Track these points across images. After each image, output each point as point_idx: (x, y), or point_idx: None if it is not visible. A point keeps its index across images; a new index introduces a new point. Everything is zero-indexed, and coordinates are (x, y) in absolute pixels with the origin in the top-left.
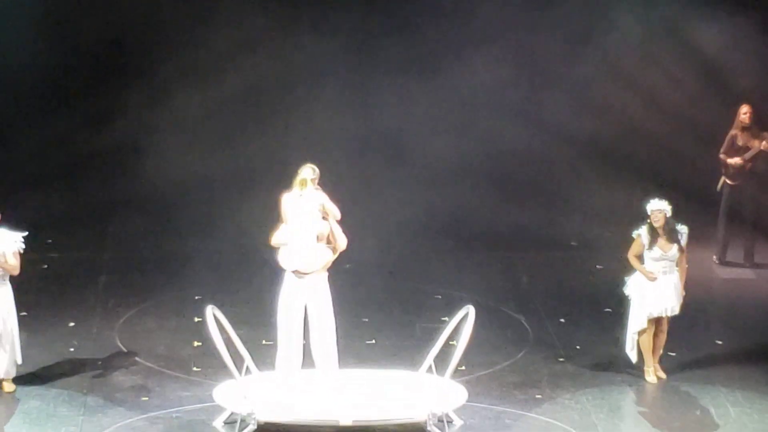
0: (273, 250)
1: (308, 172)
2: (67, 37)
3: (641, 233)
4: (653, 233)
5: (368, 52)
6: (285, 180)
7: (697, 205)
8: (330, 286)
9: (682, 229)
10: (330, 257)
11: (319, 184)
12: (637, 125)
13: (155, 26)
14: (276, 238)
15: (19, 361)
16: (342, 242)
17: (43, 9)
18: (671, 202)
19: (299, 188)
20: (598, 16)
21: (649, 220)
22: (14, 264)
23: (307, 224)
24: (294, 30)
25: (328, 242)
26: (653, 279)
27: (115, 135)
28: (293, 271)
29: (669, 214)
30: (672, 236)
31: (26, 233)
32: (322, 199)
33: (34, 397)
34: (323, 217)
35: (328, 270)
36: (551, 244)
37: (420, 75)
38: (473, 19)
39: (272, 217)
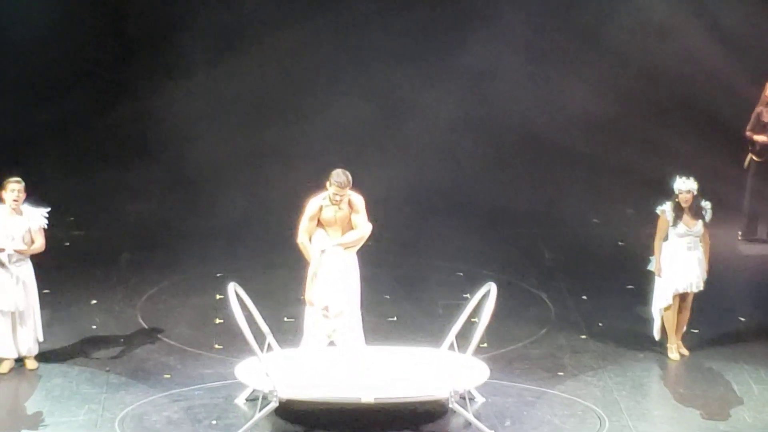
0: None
1: (340, 180)
2: (91, 13)
3: (665, 209)
4: (678, 209)
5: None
6: (306, 158)
7: (722, 182)
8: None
9: (707, 205)
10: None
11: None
12: (659, 103)
13: (179, 5)
14: (303, 241)
15: (41, 339)
16: (366, 230)
17: None
18: (696, 178)
19: (332, 203)
20: None
21: (676, 198)
22: (40, 243)
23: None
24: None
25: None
26: (659, 273)
27: (138, 113)
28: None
29: (696, 192)
30: (697, 212)
31: (49, 209)
32: (356, 207)
33: (57, 375)
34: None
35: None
36: (573, 220)
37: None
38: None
39: (294, 193)
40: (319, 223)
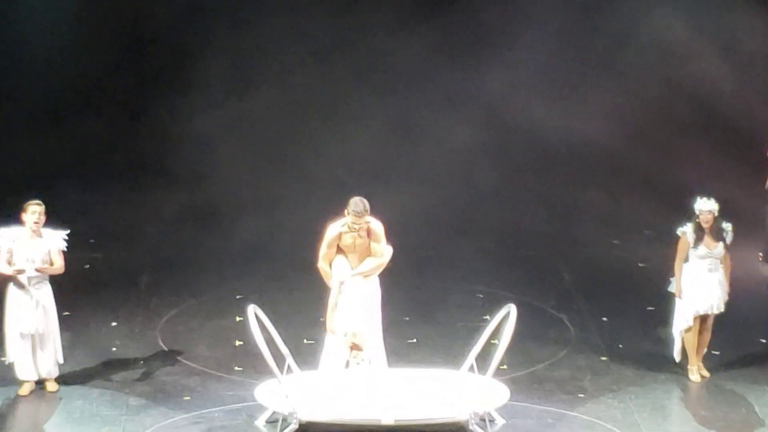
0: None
1: (357, 209)
2: (109, 35)
3: (686, 231)
4: (699, 231)
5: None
6: (324, 180)
7: (743, 203)
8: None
9: (727, 227)
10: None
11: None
12: (678, 123)
13: (200, 27)
14: (323, 267)
15: (61, 361)
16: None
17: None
18: (717, 199)
19: (350, 230)
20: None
21: (697, 219)
22: (60, 264)
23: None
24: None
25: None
26: (680, 295)
27: (157, 136)
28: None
29: (717, 213)
30: (718, 234)
31: (69, 231)
32: (374, 235)
33: (77, 397)
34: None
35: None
36: (593, 242)
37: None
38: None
39: (313, 215)
40: (339, 250)
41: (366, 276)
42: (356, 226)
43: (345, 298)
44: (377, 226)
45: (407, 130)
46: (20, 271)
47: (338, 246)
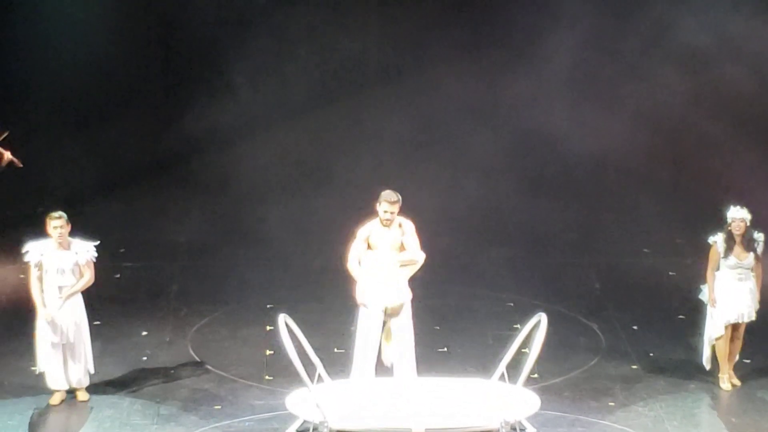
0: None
1: (390, 197)
2: (138, 42)
3: (717, 240)
4: (730, 241)
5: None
6: (360, 187)
7: None
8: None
9: (759, 237)
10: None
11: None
12: (709, 130)
13: (220, 25)
14: (352, 265)
15: (92, 371)
16: (419, 259)
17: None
18: (750, 209)
19: (382, 223)
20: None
21: (728, 228)
22: (89, 276)
23: (389, 258)
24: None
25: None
26: (713, 304)
27: (188, 143)
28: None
29: (749, 222)
30: (749, 245)
31: (98, 242)
32: (407, 231)
33: (108, 406)
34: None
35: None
36: (623, 250)
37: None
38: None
39: (341, 222)
40: (369, 248)
41: (402, 265)
42: (388, 216)
43: (378, 277)
44: (409, 225)
45: (433, 135)
46: (48, 317)
47: (369, 245)
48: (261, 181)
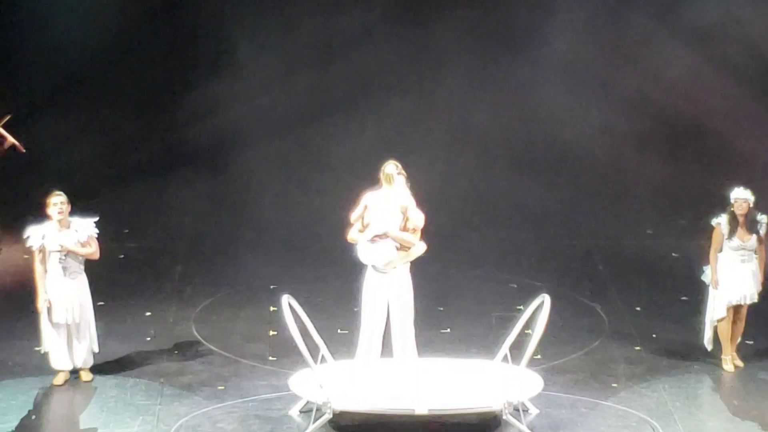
0: (350, 245)
1: (392, 168)
2: (144, 27)
3: (721, 222)
4: (733, 222)
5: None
6: (361, 168)
7: None
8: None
9: (762, 219)
10: (409, 253)
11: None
12: (712, 111)
13: (237, 17)
14: (353, 234)
15: (96, 350)
16: (417, 247)
17: None
18: (754, 190)
19: (386, 183)
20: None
21: (731, 209)
22: (91, 250)
23: (388, 221)
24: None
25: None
26: (716, 286)
27: (191, 125)
28: (372, 266)
29: (752, 203)
30: (752, 226)
31: (97, 218)
32: (408, 201)
33: (112, 387)
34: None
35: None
36: (626, 232)
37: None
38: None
39: (345, 204)
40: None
41: (401, 244)
42: (392, 169)
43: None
44: (411, 199)
45: (439, 117)
46: (48, 306)
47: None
48: (266, 162)
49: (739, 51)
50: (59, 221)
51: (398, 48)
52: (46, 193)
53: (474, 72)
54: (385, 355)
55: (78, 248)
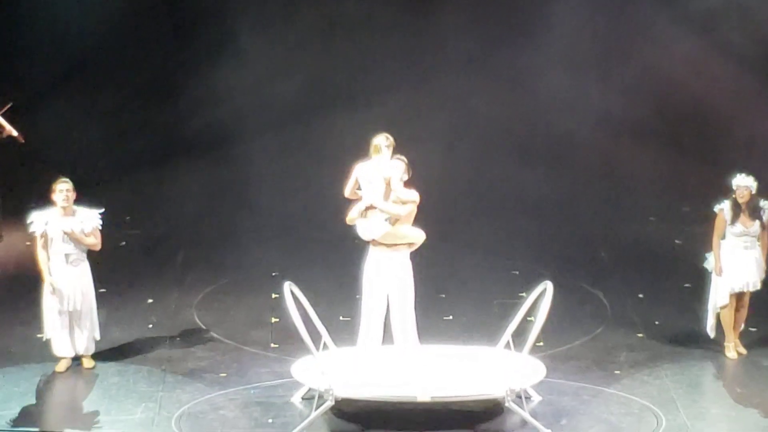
0: (351, 231)
1: (380, 139)
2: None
3: (723, 208)
4: (736, 209)
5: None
6: (363, 155)
7: None
8: (411, 263)
9: (765, 205)
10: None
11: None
12: (717, 96)
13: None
14: (351, 215)
15: (98, 338)
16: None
17: None
18: (756, 177)
19: (374, 153)
20: None
21: (733, 195)
22: (94, 241)
23: (373, 192)
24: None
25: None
26: (720, 273)
27: (194, 112)
28: (370, 242)
29: (754, 190)
30: (755, 213)
31: (103, 210)
32: (392, 173)
33: (114, 373)
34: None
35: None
36: (629, 218)
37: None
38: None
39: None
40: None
41: (389, 215)
42: (379, 150)
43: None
44: (409, 193)
45: (441, 104)
46: (53, 288)
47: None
48: (268, 150)
49: (742, 36)
50: (64, 208)
51: (400, 35)
52: (47, 180)
53: (475, 59)
54: (387, 341)
55: (82, 236)
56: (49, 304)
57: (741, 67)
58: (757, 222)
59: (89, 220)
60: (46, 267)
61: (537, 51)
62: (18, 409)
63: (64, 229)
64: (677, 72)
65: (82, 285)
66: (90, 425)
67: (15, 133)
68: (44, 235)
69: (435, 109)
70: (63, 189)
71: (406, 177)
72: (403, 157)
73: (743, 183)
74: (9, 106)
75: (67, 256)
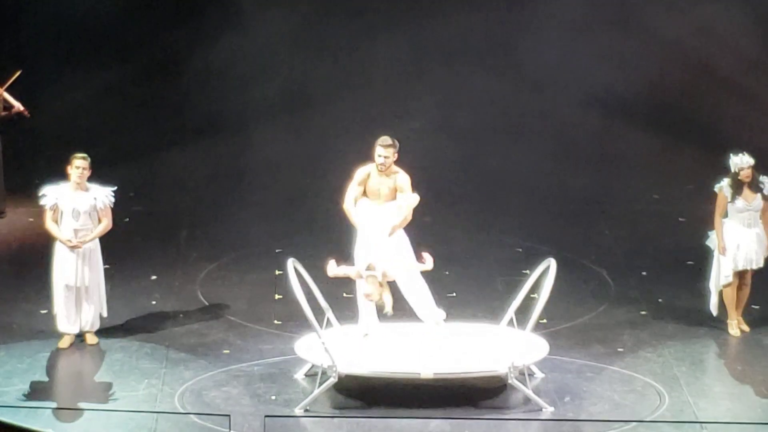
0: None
1: (384, 141)
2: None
3: (723, 186)
4: (736, 185)
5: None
6: (364, 137)
7: None
8: (409, 239)
9: (765, 180)
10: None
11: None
12: (717, 74)
13: None
14: (348, 207)
15: (105, 314)
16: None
17: None
18: (753, 152)
19: (377, 168)
20: None
21: (737, 174)
22: (106, 223)
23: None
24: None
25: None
26: (723, 252)
27: (197, 89)
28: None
29: (753, 165)
30: (755, 186)
31: (115, 188)
32: (401, 185)
33: (117, 350)
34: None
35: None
36: (632, 196)
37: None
38: None
39: (351, 169)
40: (365, 195)
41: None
42: (382, 160)
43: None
44: (404, 178)
45: (441, 83)
46: (74, 245)
47: (365, 190)
48: (272, 127)
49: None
50: (77, 183)
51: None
52: (51, 157)
53: (469, 36)
54: (411, 317)
55: (94, 232)
56: (58, 279)
57: (746, 43)
58: (759, 195)
59: (101, 197)
60: (59, 234)
61: (531, 27)
62: (22, 385)
63: (78, 240)
64: (682, 49)
65: (91, 261)
66: (93, 401)
67: (21, 108)
68: (54, 209)
69: (436, 91)
70: (80, 165)
71: (395, 158)
72: (388, 139)
73: (745, 163)
74: (18, 73)
75: (76, 231)
